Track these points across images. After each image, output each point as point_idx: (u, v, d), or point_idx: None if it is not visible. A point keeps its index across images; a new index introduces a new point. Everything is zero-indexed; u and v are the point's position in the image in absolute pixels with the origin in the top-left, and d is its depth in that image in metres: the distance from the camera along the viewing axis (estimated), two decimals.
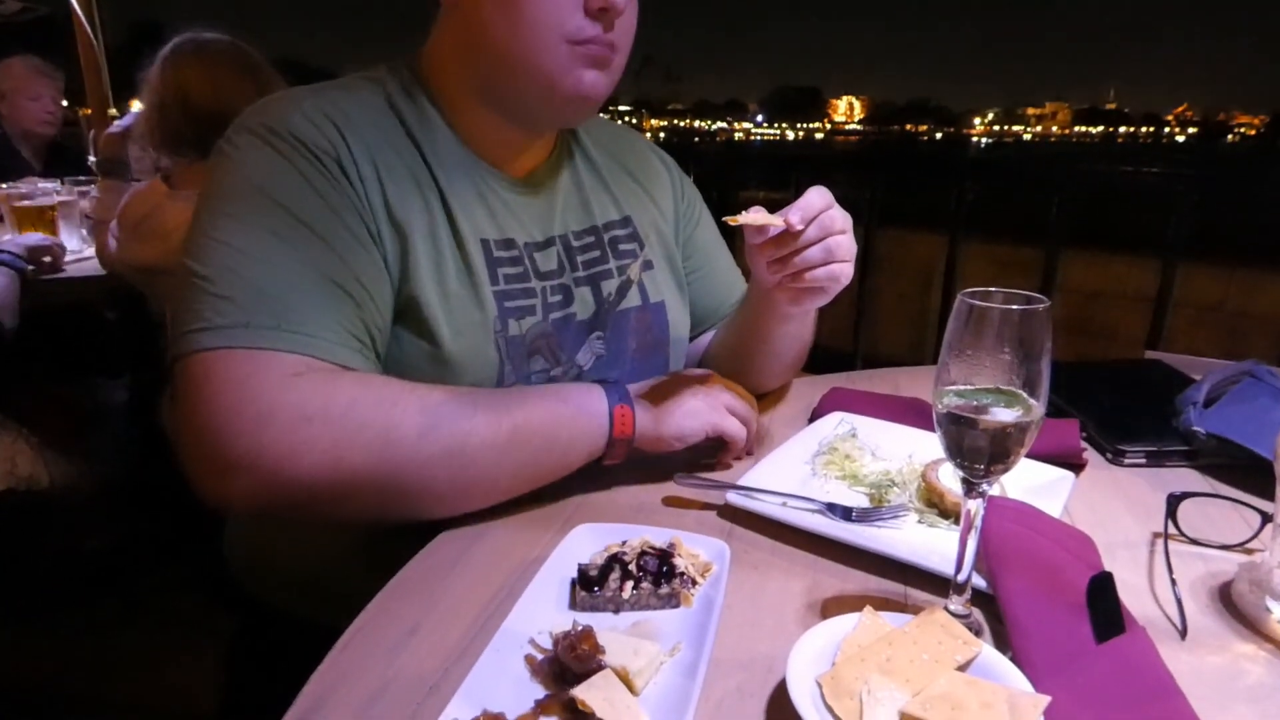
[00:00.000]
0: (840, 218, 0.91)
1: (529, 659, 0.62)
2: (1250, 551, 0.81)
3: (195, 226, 0.83)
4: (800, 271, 0.91)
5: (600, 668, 0.58)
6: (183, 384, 0.77)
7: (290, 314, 0.79)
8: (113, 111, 3.40)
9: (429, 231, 0.92)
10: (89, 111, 3.43)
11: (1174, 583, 0.74)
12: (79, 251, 2.54)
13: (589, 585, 0.70)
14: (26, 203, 2.52)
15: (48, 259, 2.34)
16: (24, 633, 2.08)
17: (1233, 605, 0.73)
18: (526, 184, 1.03)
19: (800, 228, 0.88)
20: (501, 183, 1.00)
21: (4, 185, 2.66)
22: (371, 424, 0.77)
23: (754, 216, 0.88)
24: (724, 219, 0.92)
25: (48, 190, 2.61)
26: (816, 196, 0.90)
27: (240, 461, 0.73)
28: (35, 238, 2.36)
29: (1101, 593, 0.67)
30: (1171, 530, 0.83)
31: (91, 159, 3.31)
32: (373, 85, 0.96)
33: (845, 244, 0.91)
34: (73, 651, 2.06)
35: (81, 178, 3.06)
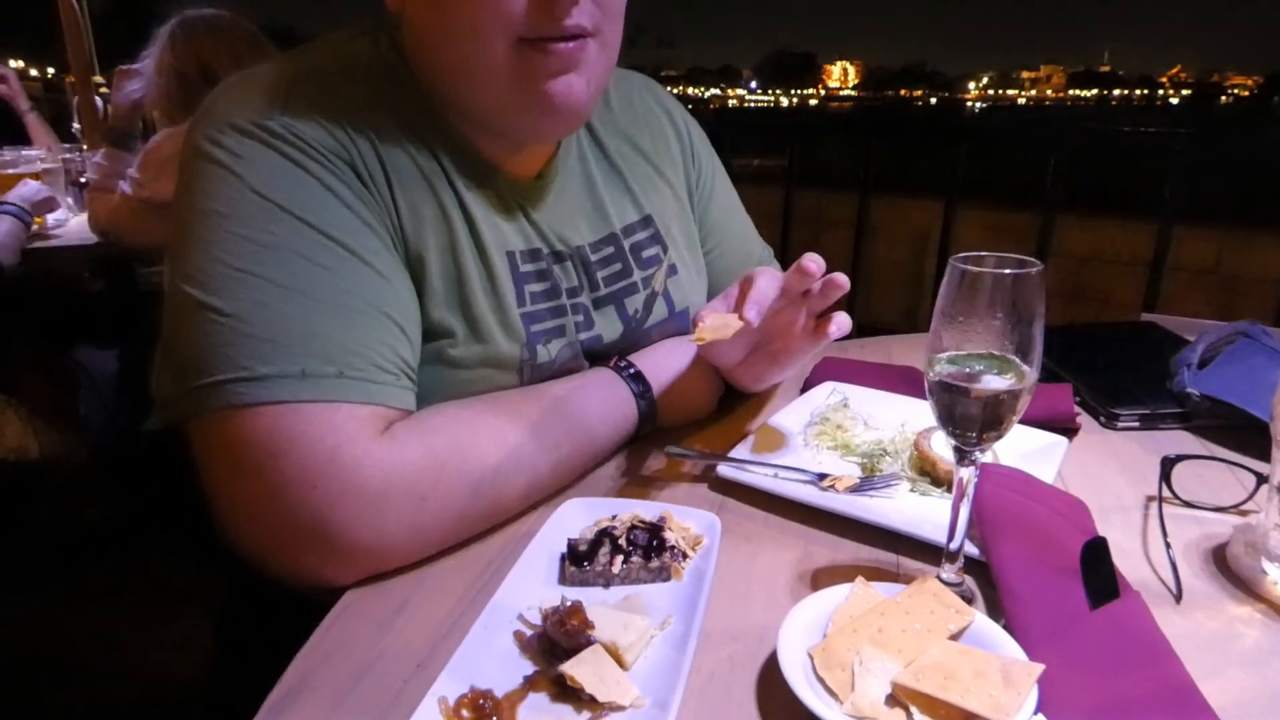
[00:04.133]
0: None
1: (518, 635, 0.62)
2: (1245, 513, 0.81)
3: (195, 248, 0.70)
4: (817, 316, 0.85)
5: (590, 643, 0.58)
6: (229, 445, 0.67)
7: (350, 357, 0.69)
8: (98, 78, 3.32)
9: (449, 244, 0.81)
10: (73, 79, 3.35)
11: (1168, 546, 0.74)
12: (63, 221, 2.50)
13: (579, 560, 0.69)
14: (10, 170, 2.47)
15: (48, 210, 2.35)
16: (16, 603, 2.08)
17: (1227, 568, 0.73)
18: (537, 187, 0.91)
19: (756, 323, 0.78)
20: (513, 186, 0.88)
21: None
22: (482, 489, 0.73)
23: (714, 322, 0.78)
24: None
25: (31, 158, 2.56)
26: (765, 282, 0.80)
27: (354, 546, 0.67)
28: (34, 186, 2.32)
29: (1095, 558, 0.67)
30: (1165, 493, 0.82)
31: (75, 126, 3.25)
32: (359, 63, 0.83)
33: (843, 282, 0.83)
34: (65, 621, 2.07)
35: (66, 145, 3.00)
